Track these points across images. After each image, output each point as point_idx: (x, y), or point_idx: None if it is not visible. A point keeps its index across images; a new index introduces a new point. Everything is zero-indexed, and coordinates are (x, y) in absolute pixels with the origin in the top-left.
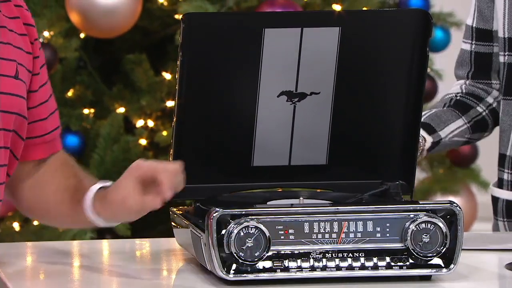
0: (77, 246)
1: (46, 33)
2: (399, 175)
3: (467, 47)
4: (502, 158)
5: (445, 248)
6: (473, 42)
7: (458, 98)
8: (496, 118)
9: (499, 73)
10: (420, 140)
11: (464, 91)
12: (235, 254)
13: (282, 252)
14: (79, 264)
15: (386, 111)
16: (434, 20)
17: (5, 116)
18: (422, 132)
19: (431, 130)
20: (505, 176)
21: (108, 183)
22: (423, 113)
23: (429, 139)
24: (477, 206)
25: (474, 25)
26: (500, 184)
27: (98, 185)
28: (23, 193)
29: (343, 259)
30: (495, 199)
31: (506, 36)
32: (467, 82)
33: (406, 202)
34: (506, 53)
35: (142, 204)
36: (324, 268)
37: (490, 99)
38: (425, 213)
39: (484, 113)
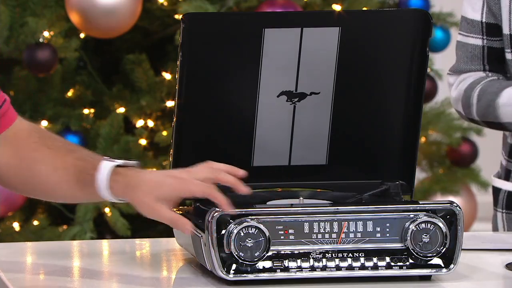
0: (77, 246)
1: (46, 33)
2: (399, 175)
3: (477, 42)
4: None
5: (445, 248)
6: (485, 37)
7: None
8: None
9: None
10: None
11: (490, 77)
12: (235, 254)
13: (282, 252)
14: (79, 264)
15: (386, 111)
16: (434, 20)
17: None
18: None
19: None
20: None
21: (118, 162)
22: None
23: None
24: (477, 206)
25: (483, 20)
26: (506, 175)
27: (109, 164)
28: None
29: (343, 259)
30: (496, 190)
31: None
32: (489, 74)
33: (406, 202)
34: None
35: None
36: (324, 268)
37: None
38: (425, 213)
39: None
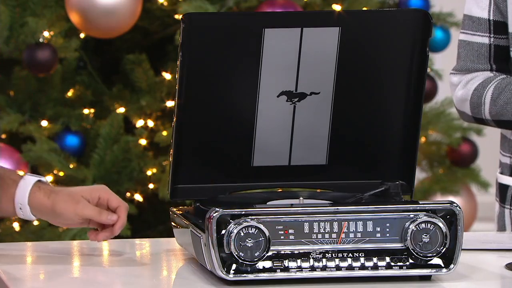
0: (77, 246)
1: (46, 33)
2: (399, 175)
3: (484, 40)
4: None
5: (445, 248)
6: (492, 35)
7: (500, 77)
8: None
9: None
10: None
11: (499, 75)
12: (235, 254)
13: (282, 252)
14: (79, 264)
15: (386, 111)
16: (434, 20)
17: None
18: None
19: None
20: None
21: (43, 178)
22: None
23: None
24: (477, 206)
25: (491, 18)
26: None
27: (35, 178)
28: None
29: (343, 259)
30: (503, 187)
31: None
32: (496, 73)
33: (406, 202)
34: None
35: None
36: (324, 268)
37: None
38: (425, 213)
39: None
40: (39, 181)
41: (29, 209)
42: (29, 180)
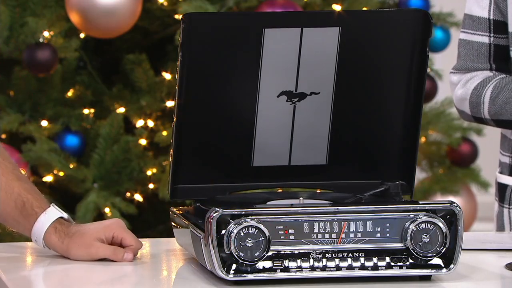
0: None
1: (46, 33)
2: (399, 175)
3: (483, 39)
4: None
5: (445, 248)
6: (492, 34)
7: (500, 75)
8: None
9: None
10: None
11: (498, 75)
12: (235, 254)
13: (282, 252)
14: (78, 264)
15: (386, 111)
16: (434, 20)
17: None
18: None
19: None
20: None
21: (64, 215)
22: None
23: None
24: (477, 206)
25: (491, 17)
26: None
27: (57, 213)
28: None
29: (343, 259)
30: (503, 186)
31: None
32: (495, 73)
33: (406, 202)
34: None
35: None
36: (324, 268)
37: None
38: (425, 213)
39: None
40: (60, 217)
41: (43, 243)
42: (50, 216)
